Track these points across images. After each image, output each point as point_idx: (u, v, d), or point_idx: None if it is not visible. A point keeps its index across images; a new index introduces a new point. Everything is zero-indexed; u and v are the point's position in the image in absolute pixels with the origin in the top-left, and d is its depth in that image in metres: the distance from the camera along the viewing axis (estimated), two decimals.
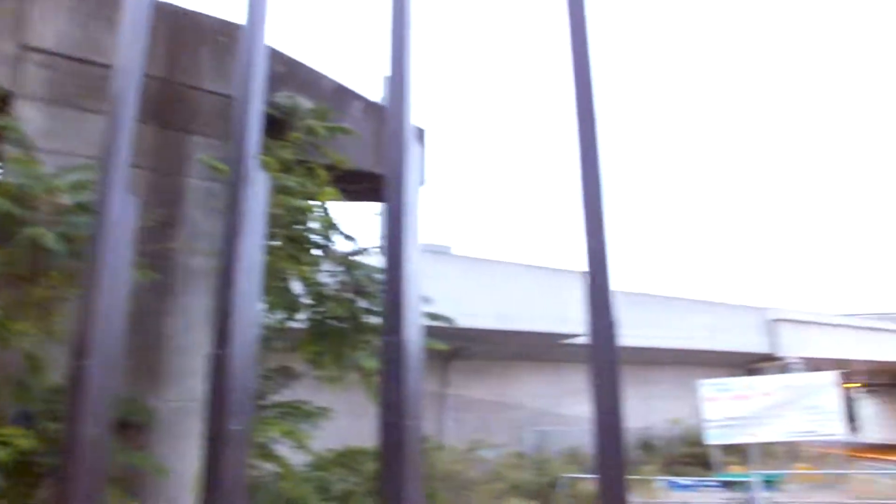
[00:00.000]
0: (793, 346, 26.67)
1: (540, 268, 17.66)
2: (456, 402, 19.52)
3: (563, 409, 22.09)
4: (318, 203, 4.48)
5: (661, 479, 15.63)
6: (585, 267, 2.63)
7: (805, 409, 15.86)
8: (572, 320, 17.93)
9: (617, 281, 2.60)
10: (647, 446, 18.20)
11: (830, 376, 16.17)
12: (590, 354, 2.50)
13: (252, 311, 2.91)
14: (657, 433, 19.11)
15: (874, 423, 59.06)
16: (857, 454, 34.36)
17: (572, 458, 16.97)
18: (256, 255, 2.97)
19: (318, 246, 4.56)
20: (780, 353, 25.89)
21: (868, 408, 59.79)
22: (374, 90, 5.37)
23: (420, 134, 5.37)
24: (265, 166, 3.46)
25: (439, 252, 17.04)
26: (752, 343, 25.37)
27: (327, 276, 4.63)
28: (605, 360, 2.51)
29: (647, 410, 23.01)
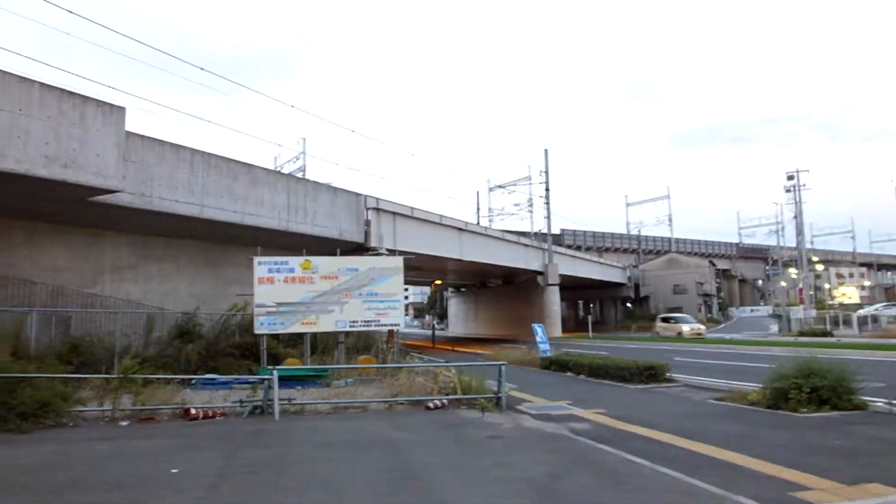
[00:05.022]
0: (387, 238, 25.89)
1: (51, 87, 12.28)
2: None
3: (102, 288, 17.33)
4: None
5: (186, 378, 12.43)
6: None
7: (368, 297, 14.04)
8: (100, 168, 13.13)
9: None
10: (187, 333, 14.67)
11: (397, 261, 14.57)
12: None
13: None
14: (211, 320, 15.77)
15: (459, 318, 66.92)
16: (438, 346, 36.93)
17: (74, 347, 12.70)
18: None
19: None
20: (373, 244, 24.80)
21: (455, 305, 67.34)
22: None
23: None
24: None
25: None
26: (347, 230, 23.66)
27: None
28: None
29: (217, 295, 19.65)
